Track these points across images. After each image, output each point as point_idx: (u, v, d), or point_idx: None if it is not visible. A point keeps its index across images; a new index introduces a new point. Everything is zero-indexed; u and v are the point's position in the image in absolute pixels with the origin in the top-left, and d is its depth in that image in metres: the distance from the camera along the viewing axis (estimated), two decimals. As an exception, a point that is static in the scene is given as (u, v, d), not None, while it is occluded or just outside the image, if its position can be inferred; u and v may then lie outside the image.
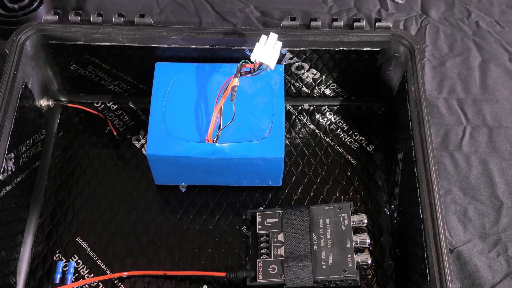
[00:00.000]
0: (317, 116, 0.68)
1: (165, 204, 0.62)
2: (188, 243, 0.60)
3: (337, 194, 0.63)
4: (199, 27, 0.67)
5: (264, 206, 0.62)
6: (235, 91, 0.55)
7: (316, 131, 0.67)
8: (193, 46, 0.62)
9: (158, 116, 0.58)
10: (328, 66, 0.64)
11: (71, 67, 0.65)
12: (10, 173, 0.56)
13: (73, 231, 0.60)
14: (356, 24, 0.62)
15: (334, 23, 0.62)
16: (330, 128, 0.67)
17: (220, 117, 0.56)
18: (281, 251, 0.55)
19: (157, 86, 0.60)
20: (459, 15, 0.77)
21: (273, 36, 0.56)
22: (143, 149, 0.65)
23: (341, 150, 0.66)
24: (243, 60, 0.56)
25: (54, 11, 0.63)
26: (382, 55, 0.63)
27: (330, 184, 0.63)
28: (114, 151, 0.65)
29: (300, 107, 0.68)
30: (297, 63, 0.64)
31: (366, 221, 0.56)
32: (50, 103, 0.66)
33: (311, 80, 0.66)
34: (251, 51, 0.56)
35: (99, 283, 0.57)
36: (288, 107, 0.68)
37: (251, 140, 0.57)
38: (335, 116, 0.68)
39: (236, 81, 0.55)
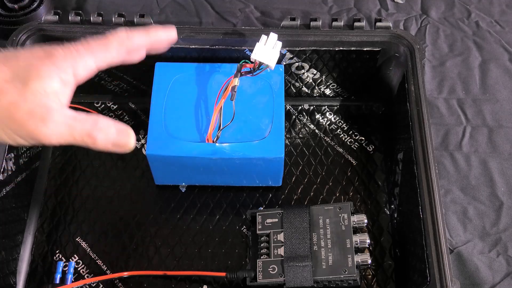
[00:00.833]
0: (317, 116, 0.68)
1: (165, 204, 0.62)
2: (188, 243, 0.60)
3: (337, 194, 0.63)
4: (199, 27, 0.67)
5: (264, 206, 0.62)
6: (235, 91, 0.55)
7: (316, 131, 0.67)
8: (193, 46, 0.62)
9: (158, 116, 0.58)
10: (328, 66, 0.64)
11: (71, 67, 0.65)
12: (10, 173, 0.56)
13: (73, 231, 0.60)
14: (356, 24, 0.62)
15: (334, 23, 0.62)
16: (330, 128, 0.67)
17: (220, 117, 0.56)
18: (281, 251, 0.55)
19: (157, 86, 0.60)
20: (459, 15, 0.77)
21: (273, 36, 0.56)
22: (143, 149, 0.65)
23: (341, 150, 0.66)
24: (243, 60, 0.56)
25: (54, 11, 0.63)
26: (382, 55, 0.63)
27: (330, 184, 0.63)
28: (114, 151, 0.65)
29: (300, 107, 0.68)
30: (297, 63, 0.64)
31: (366, 221, 0.56)
32: (50, 103, 0.66)
33: (311, 80, 0.66)
34: (251, 51, 0.56)
35: (99, 283, 0.57)
36: (288, 107, 0.68)
37: (251, 140, 0.57)
38: (335, 116, 0.68)
39: (236, 81, 0.55)
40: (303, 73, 0.65)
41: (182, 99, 0.60)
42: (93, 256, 0.59)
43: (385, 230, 0.60)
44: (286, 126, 0.67)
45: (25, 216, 0.60)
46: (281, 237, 0.56)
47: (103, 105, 0.68)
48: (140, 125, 0.67)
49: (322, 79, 0.66)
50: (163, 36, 0.51)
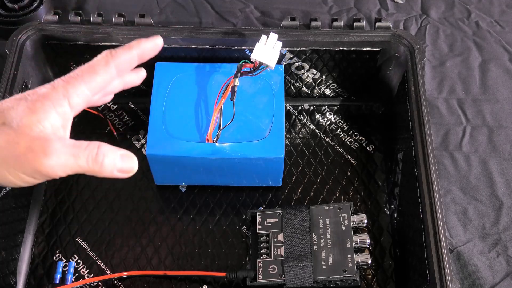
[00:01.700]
0: (317, 116, 0.68)
1: (165, 204, 0.62)
2: (188, 243, 0.60)
3: (337, 194, 0.63)
4: (199, 27, 0.67)
5: (264, 206, 0.62)
6: (235, 91, 0.55)
7: (316, 131, 0.67)
8: (193, 46, 0.62)
9: (158, 116, 0.58)
10: (328, 66, 0.64)
11: (71, 67, 0.65)
12: (10, 173, 0.56)
13: (73, 231, 0.60)
14: (356, 24, 0.62)
15: (334, 23, 0.62)
16: (330, 128, 0.67)
17: (220, 117, 0.56)
18: (281, 251, 0.55)
19: (157, 86, 0.60)
20: (459, 15, 0.77)
21: (273, 36, 0.56)
22: (143, 149, 0.65)
23: (341, 150, 0.66)
24: (243, 60, 0.56)
25: (54, 11, 0.63)
26: (382, 55, 0.63)
27: (330, 184, 0.63)
28: (114, 151, 0.65)
29: (300, 107, 0.68)
30: (297, 63, 0.64)
31: (366, 221, 0.56)
32: (50, 103, 0.66)
33: (311, 80, 0.66)
34: (251, 51, 0.56)
35: (99, 283, 0.57)
36: (288, 107, 0.68)
37: (251, 140, 0.57)
38: (335, 116, 0.68)
39: (236, 81, 0.55)
40: (303, 73, 0.65)
41: (182, 99, 0.60)
42: (93, 256, 0.59)
43: (385, 230, 0.60)
44: (286, 126, 0.67)
45: (25, 216, 0.60)
46: (281, 237, 0.56)
47: (103, 105, 0.68)
48: (140, 125, 0.67)
49: (322, 79, 0.66)
50: (149, 46, 0.50)
